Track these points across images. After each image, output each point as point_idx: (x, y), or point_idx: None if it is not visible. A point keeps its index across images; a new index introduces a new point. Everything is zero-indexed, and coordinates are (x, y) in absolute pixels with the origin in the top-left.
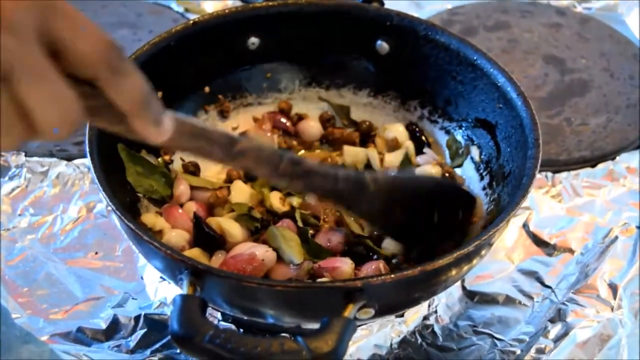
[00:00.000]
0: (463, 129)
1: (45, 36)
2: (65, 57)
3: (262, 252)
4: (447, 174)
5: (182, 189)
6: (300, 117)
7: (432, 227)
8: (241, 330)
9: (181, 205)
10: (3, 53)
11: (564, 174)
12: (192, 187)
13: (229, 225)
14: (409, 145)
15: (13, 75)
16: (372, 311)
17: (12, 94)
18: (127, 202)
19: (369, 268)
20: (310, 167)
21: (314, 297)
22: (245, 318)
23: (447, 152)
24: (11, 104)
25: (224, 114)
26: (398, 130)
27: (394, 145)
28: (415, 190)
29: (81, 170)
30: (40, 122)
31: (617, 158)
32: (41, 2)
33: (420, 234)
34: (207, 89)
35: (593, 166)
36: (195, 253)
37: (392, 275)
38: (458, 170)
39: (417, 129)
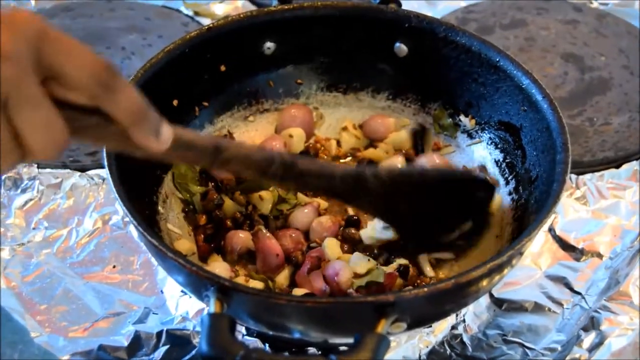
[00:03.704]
0: (486, 132)
1: (40, 64)
2: (61, 81)
3: None
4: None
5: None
6: None
7: (440, 218)
8: (266, 344)
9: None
10: (3, 83)
11: (588, 176)
12: None
13: None
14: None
15: (9, 103)
16: (404, 325)
17: (9, 120)
18: (146, 215)
19: None
20: (303, 169)
21: (345, 312)
22: (271, 333)
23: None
24: (7, 129)
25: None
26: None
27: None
28: (420, 183)
29: (95, 182)
30: (31, 145)
31: None
32: (36, 32)
33: (427, 226)
34: (222, 96)
35: (617, 167)
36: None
37: (425, 289)
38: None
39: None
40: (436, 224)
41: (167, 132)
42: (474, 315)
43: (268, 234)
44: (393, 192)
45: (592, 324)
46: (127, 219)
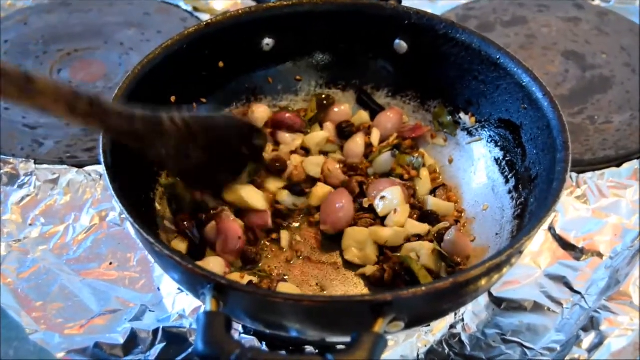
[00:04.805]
0: (486, 129)
1: None
2: None
3: None
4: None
5: None
6: None
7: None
8: (263, 343)
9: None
10: None
11: (588, 174)
12: None
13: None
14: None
15: None
16: (402, 324)
17: None
18: (143, 212)
19: None
20: (108, 107)
21: (342, 311)
22: (268, 332)
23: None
24: None
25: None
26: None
27: None
28: (209, 126)
29: (92, 178)
30: None
31: None
32: None
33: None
34: (220, 93)
35: (618, 165)
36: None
37: (423, 288)
38: (482, 174)
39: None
40: (221, 168)
41: None
42: (472, 314)
43: (232, 217)
44: (186, 136)
45: (591, 324)
46: (124, 216)
